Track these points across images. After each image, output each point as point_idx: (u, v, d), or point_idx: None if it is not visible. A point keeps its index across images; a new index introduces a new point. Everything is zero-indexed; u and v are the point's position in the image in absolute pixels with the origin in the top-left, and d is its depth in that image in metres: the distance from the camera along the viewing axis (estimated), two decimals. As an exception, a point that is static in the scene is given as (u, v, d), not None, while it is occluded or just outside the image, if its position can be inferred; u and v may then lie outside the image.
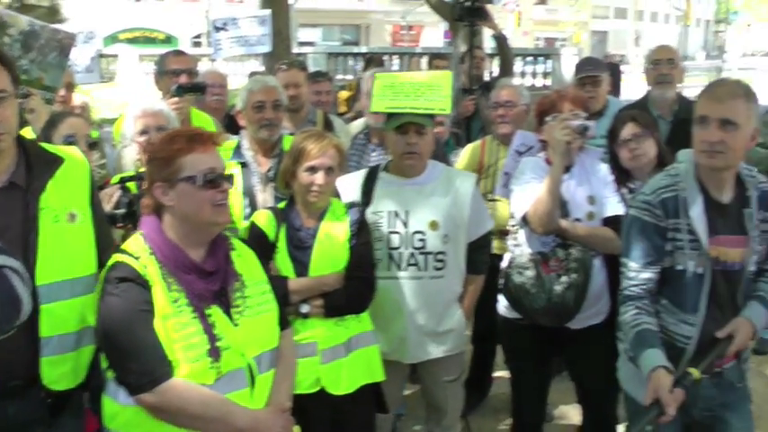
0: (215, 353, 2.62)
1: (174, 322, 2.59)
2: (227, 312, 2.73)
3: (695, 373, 3.01)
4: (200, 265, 2.74)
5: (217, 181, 2.72)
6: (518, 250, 3.96)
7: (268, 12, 9.78)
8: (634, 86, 5.32)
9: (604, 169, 4.09)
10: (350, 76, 18.62)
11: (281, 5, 12.97)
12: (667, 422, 2.92)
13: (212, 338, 2.63)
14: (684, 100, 5.42)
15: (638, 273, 3.26)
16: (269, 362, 2.85)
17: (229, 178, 2.82)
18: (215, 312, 2.69)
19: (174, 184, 2.70)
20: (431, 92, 3.91)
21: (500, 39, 7.51)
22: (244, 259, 2.91)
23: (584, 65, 5.61)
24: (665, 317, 3.28)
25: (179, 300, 2.62)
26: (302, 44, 35.36)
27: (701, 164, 3.17)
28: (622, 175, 4.14)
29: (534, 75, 21.66)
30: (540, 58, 22.29)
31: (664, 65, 5.39)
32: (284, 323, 3.02)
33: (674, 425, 3.12)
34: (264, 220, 3.61)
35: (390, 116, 3.95)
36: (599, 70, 5.44)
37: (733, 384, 3.37)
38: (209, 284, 2.73)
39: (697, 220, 3.15)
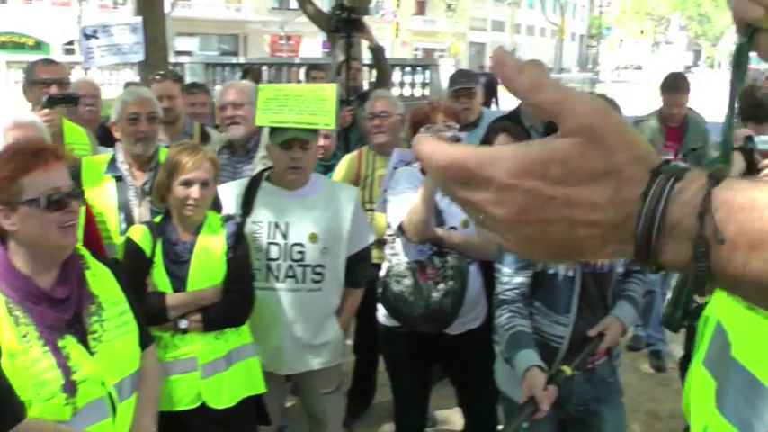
0: (70, 387, 2.50)
1: (23, 359, 2.44)
2: (83, 341, 2.62)
3: (567, 370, 3.14)
4: (51, 293, 2.59)
5: (62, 201, 2.58)
6: (395, 259, 4.02)
7: (139, 19, 9.58)
8: (511, 97, 5.46)
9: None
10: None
11: (157, 13, 12.66)
12: (542, 418, 3.04)
13: (67, 372, 2.51)
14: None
15: (511, 277, 3.37)
16: (131, 387, 2.79)
17: (78, 195, 2.71)
18: (69, 343, 2.57)
19: (16, 207, 2.54)
20: (315, 105, 3.92)
21: (376, 51, 7.60)
22: (99, 279, 2.81)
23: (459, 77, 5.71)
24: (539, 318, 3.41)
25: (28, 334, 2.48)
26: (179, 53, 34.88)
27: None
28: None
29: (413, 85, 21.85)
30: (419, 69, 22.50)
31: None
32: (145, 341, 2.97)
33: (549, 420, 3.25)
34: (140, 235, 3.55)
35: (274, 130, 3.96)
36: (473, 83, 5.56)
37: (605, 379, 3.52)
38: (62, 313, 2.59)
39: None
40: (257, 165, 4.73)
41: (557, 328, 3.38)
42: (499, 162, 0.74)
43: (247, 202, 3.97)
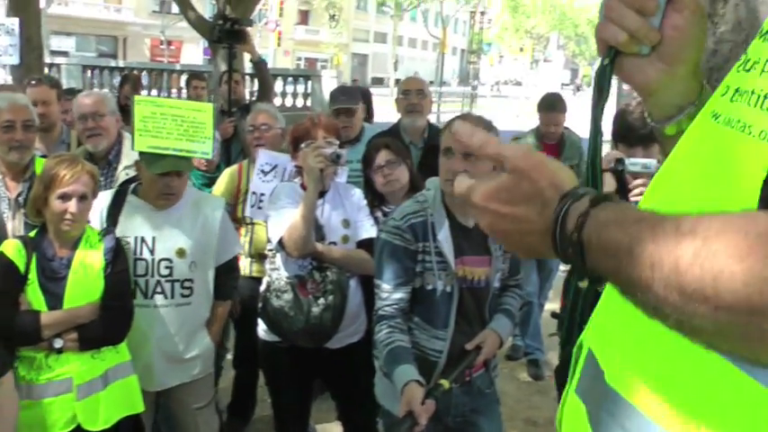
0: None
1: None
2: None
3: (445, 383, 3.19)
4: None
5: None
6: (276, 274, 4.01)
7: (16, 20, 9.28)
8: (391, 110, 5.55)
9: (358, 194, 4.23)
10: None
11: (32, 10, 12.23)
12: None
13: None
14: (434, 128, 5.70)
15: (390, 293, 3.41)
16: None
17: None
18: None
19: None
20: (193, 130, 3.86)
21: (259, 64, 7.57)
22: None
23: (339, 95, 5.68)
24: (418, 333, 3.45)
25: None
26: (55, 53, 33.87)
27: (446, 191, 3.38)
28: (377, 200, 4.33)
29: (295, 95, 21.86)
30: (301, 79, 22.53)
31: (413, 95, 5.61)
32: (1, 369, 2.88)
33: (428, 433, 3.30)
34: (13, 249, 3.43)
35: (148, 153, 3.87)
36: (353, 102, 5.52)
37: (482, 391, 3.59)
38: None
39: (444, 243, 3.35)
40: (120, 176, 4.61)
41: (435, 343, 3.43)
42: (476, 191, 1.09)
43: (112, 217, 3.88)
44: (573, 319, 1.22)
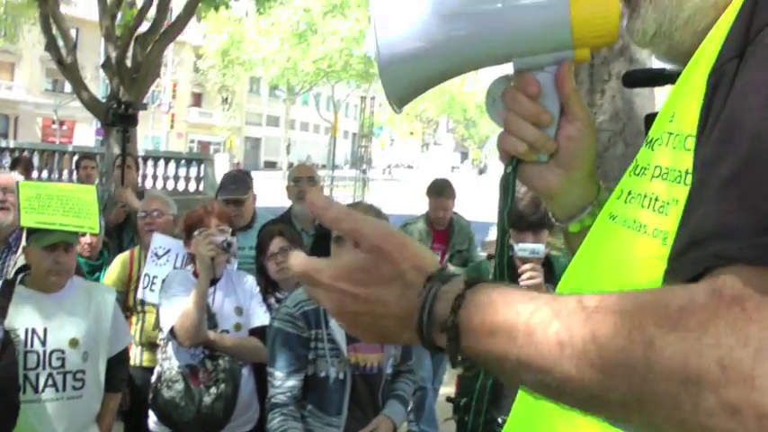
0: None
1: None
2: None
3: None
4: None
5: None
6: (167, 364, 3.97)
7: None
8: (284, 193, 5.56)
9: (251, 281, 4.25)
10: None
11: None
12: None
13: None
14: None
15: (283, 381, 3.42)
16: None
17: None
18: None
19: None
20: (79, 207, 3.85)
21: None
22: None
23: (228, 184, 5.67)
24: (312, 421, 3.45)
25: None
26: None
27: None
28: (270, 287, 4.35)
29: (187, 179, 21.66)
30: (194, 163, 22.37)
31: (304, 182, 5.67)
32: None
33: None
34: None
35: (35, 231, 3.82)
36: (242, 191, 5.51)
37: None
38: None
39: (336, 330, 3.39)
40: (20, 260, 4.52)
41: (329, 430, 3.44)
42: (323, 271, 1.01)
43: (1, 308, 3.78)
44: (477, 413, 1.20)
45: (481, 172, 68.67)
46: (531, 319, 0.84)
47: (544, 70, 1.19)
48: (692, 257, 0.80)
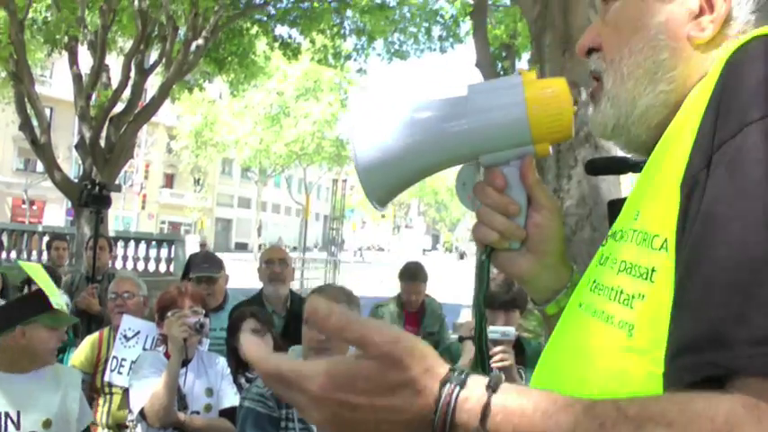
0: None
1: None
2: None
3: None
4: None
5: None
6: (136, 446, 3.95)
7: None
8: (254, 275, 5.59)
9: (222, 362, 4.25)
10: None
11: None
12: None
13: None
14: (296, 296, 5.80)
15: (254, 463, 3.40)
16: None
17: None
18: None
19: None
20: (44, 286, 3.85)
21: None
22: None
23: (201, 263, 5.74)
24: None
25: None
26: None
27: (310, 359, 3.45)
28: (241, 367, 4.35)
29: (158, 260, 21.56)
30: (164, 244, 22.30)
31: (276, 264, 5.69)
32: None
33: None
34: None
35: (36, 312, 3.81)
36: (214, 270, 5.61)
37: None
38: None
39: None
40: None
41: None
42: (312, 378, 0.92)
43: None
44: None
45: (462, 257, 68.18)
46: (575, 429, 0.84)
47: (509, 164, 1.29)
48: (689, 363, 0.87)
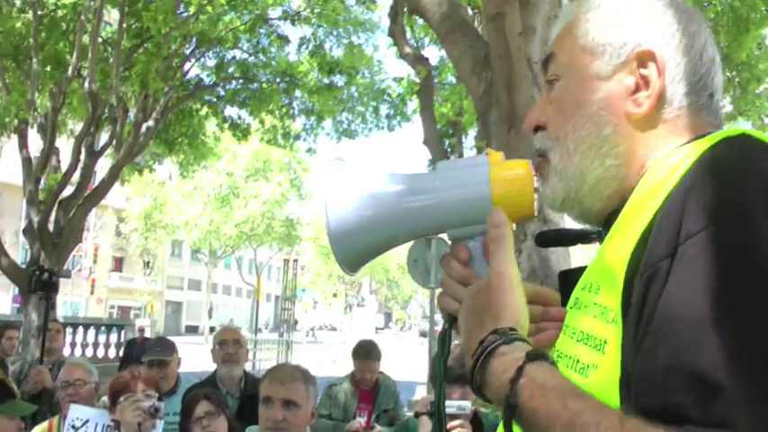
0: None
1: None
2: None
3: None
4: None
5: None
6: None
7: None
8: (205, 358, 5.52)
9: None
10: None
11: None
12: None
13: None
14: (250, 377, 5.76)
15: None
16: None
17: None
18: None
19: None
20: None
21: None
22: None
23: (154, 347, 5.72)
24: None
25: None
26: None
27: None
28: (194, 451, 4.28)
29: (107, 345, 21.19)
30: (114, 329, 21.96)
31: (230, 345, 5.66)
32: None
33: None
34: None
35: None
36: (167, 353, 5.57)
37: None
38: None
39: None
40: None
41: None
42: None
43: None
44: None
45: (424, 335, 67.65)
46: (573, 418, 0.96)
47: (474, 239, 1.34)
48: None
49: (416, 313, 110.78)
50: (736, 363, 0.89)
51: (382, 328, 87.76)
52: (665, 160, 1.17)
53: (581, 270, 1.28)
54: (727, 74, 15.23)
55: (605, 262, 1.13)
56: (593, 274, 1.17)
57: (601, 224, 1.32)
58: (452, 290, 1.33)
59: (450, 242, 1.37)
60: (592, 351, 1.09)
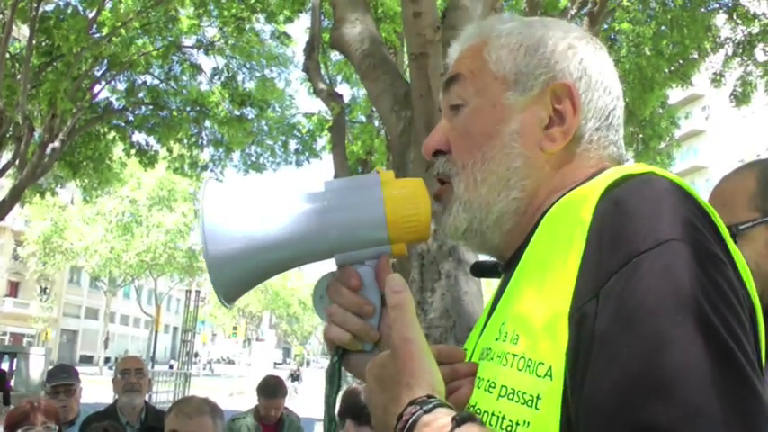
0: None
1: None
2: None
3: None
4: None
5: None
6: None
7: None
8: (100, 389, 5.36)
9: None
10: None
11: None
12: None
13: None
14: (151, 407, 5.66)
15: None
16: None
17: None
18: None
19: None
20: None
21: None
22: None
23: (59, 372, 5.58)
24: None
25: None
26: None
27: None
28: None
29: (-2, 373, 20.49)
30: (6, 357, 21.24)
31: (132, 374, 5.54)
32: None
33: None
34: None
35: None
36: (73, 379, 5.46)
37: None
38: None
39: None
40: None
41: None
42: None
43: None
44: None
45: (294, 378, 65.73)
46: None
47: (365, 264, 1.26)
48: None
49: (316, 349, 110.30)
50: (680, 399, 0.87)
51: (281, 363, 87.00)
52: (571, 197, 1.14)
53: None
54: (631, 129, 15.77)
55: (522, 311, 1.08)
56: (507, 323, 1.11)
57: (500, 258, 1.29)
58: (342, 319, 1.24)
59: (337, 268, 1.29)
60: (521, 407, 1.03)
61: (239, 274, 1.22)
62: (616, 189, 1.05)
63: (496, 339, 1.12)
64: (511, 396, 1.04)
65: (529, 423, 1.00)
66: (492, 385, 1.09)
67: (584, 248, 1.01)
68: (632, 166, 1.13)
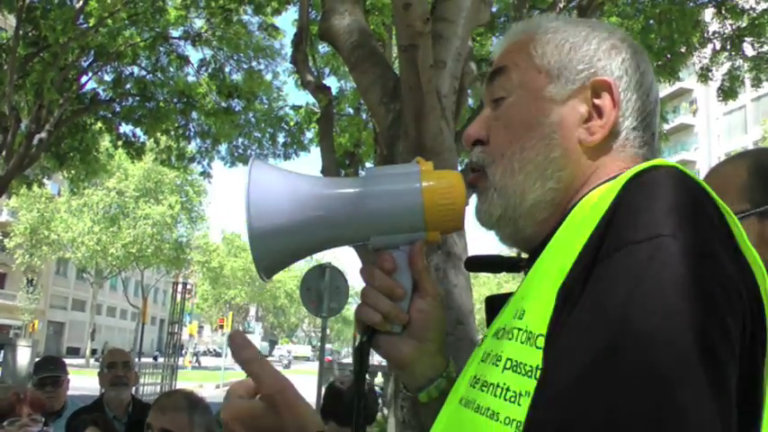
0: None
1: None
2: None
3: None
4: None
5: None
6: None
7: None
8: (86, 381, 5.35)
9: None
10: None
11: None
12: None
13: None
14: (138, 401, 5.64)
15: None
16: None
17: None
18: None
19: None
20: None
21: None
22: None
23: (47, 364, 5.58)
24: None
25: None
26: None
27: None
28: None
29: (-16, 364, 20.47)
30: (-7, 348, 21.21)
31: (119, 367, 5.52)
32: None
33: None
34: None
35: None
36: (60, 371, 5.46)
37: None
38: None
39: None
40: None
41: None
42: (228, 407, 1.15)
43: None
44: None
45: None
46: None
47: (399, 249, 1.31)
48: None
49: (302, 342, 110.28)
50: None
51: (267, 356, 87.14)
52: (598, 191, 1.17)
53: (506, 297, 1.25)
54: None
55: (533, 288, 1.11)
56: (519, 301, 1.14)
57: (528, 251, 1.30)
58: (374, 300, 1.30)
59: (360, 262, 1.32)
60: (523, 378, 1.05)
61: (280, 251, 1.28)
62: (634, 179, 1.06)
63: (507, 317, 1.15)
64: (515, 368, 1.07)
65: (530, 393, 1.02)
66: (498, 359, 1.12)
67: (592, 232, 1.03)
68: (658, 160, 1.13)
